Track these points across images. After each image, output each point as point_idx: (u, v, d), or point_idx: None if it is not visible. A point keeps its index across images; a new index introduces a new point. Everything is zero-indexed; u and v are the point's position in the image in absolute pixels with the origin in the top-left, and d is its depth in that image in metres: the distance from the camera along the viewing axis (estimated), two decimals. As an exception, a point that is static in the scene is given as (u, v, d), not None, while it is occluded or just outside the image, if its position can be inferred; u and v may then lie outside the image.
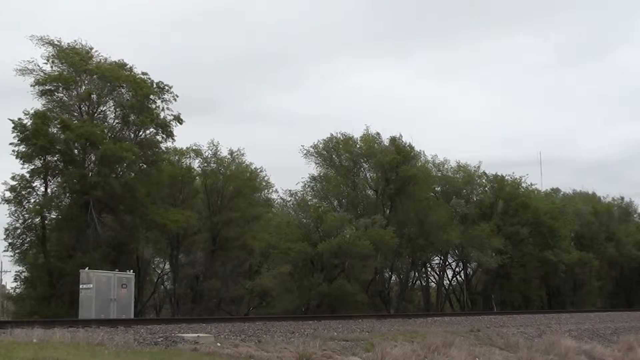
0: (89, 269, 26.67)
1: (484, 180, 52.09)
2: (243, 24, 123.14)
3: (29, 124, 31.98)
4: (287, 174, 78.52)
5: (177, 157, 40.87)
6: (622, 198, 67.35)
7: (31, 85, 33.05)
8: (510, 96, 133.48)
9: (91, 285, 25.42)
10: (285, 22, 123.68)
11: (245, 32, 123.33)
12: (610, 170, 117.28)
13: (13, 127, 31.81)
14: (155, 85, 35.26)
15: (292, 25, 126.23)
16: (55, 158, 33.40)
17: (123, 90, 34.78)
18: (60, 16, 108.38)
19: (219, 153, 42.08)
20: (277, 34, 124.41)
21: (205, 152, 41.87)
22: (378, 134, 44.61)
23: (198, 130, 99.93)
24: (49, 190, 33.62)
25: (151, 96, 35.05)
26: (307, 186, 44.49)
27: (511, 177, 51.99)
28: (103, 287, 25.75)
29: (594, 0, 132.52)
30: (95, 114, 34.64)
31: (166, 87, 35.47)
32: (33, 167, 32.83)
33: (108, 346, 13.30)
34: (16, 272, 35.36)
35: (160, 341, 14.97)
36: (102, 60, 34.84)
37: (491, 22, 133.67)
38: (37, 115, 32.12)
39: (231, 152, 42.52)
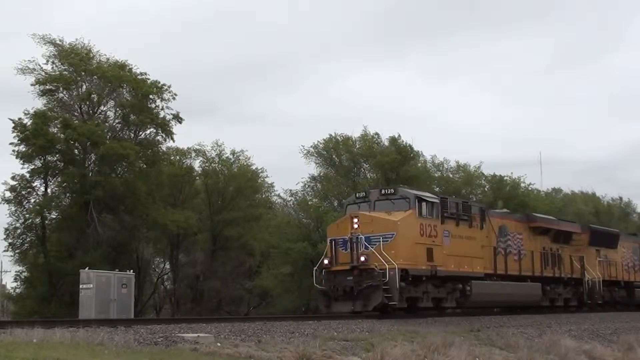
0: (89, 269, 26.66)
1: (482, 181, 52.07)
2: (243, 26, 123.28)
3: (29, 123, 32.01)
4: (287, 174, 78.64)
5: (178, 157, 40.93)
6: (622, 198, 67.60)
7: (32, 85, 33.16)
8: (510, 97, 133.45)
9: (91, 285, 25.39)
10: (285, 24, 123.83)
11: (245, 34, 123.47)
12: (609, 171, 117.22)
13: (13, 127, 31.87)
14: (153, 85, 35.29)
15: (292, 27, 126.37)
16: (56, 158, 33.45)
17: (123, 90, 34.82)
18: (60, 19, 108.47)
19: (222, 153, 42.24)
20: (277, 36, 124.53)
21: (209, 153, 42.08)
22: (377, 134, 44.64)
23: (199, 132, 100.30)
24: (49, 190, 33.69)
25: (151, 96, 35.08)
26: (307, 186, 44.46)
27: (510, 177, 52.06)
28: (103, 287, 25.70)
29: (593, 1, 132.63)
30: (96, 114, 34.67)
31: (164, 86, 35.52)
32: (33, 167, 32.90)
33: (108, 346, 13.28)
34: (16, 272, 35.52)
35: (160, 341, 14.93)
36: (104, 60, 34.90)
37: (491, 23, 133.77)
38: (37, 115, 32.14)
39: (234, 153, 42.68)
